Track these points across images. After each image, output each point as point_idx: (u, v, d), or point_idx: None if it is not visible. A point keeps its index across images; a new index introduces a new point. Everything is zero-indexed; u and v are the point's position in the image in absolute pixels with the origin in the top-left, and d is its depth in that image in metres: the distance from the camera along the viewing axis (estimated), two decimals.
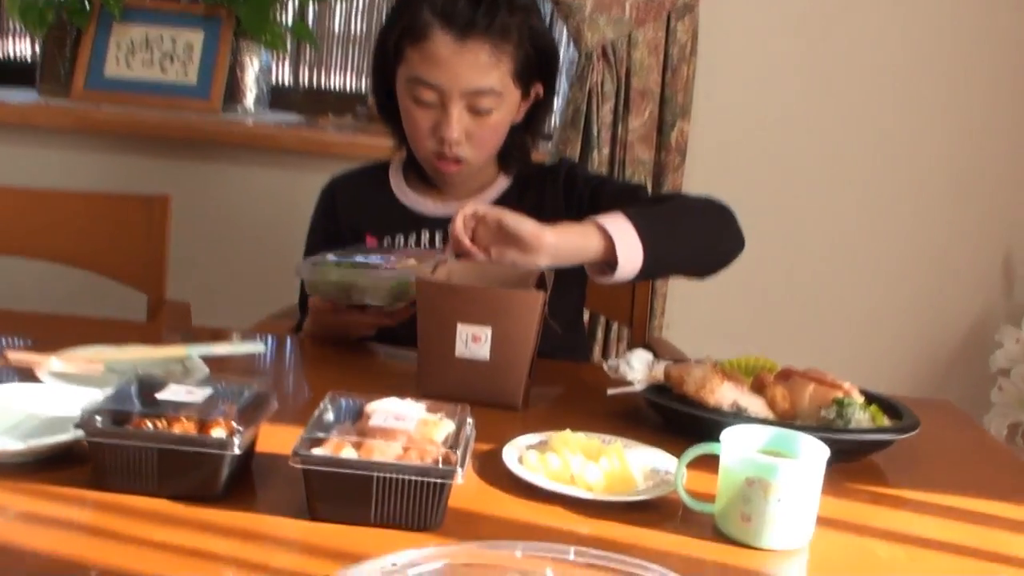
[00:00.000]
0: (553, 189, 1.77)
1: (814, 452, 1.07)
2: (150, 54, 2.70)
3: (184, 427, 1.04)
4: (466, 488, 1.05)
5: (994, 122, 2.67)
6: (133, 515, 1.00)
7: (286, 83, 2.90)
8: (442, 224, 1.73)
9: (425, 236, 1.76)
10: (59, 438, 1.08)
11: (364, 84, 2.87)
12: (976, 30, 2.63)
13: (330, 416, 1.10)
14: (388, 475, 0.98)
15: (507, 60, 1.63)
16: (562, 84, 2.50)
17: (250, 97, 2.74)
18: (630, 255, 1.45)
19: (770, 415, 1.31)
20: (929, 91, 2.65)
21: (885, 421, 1.33)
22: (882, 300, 2.73)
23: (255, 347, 1.47)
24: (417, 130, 1.67)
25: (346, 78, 2.89)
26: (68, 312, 1.83)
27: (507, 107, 1.68)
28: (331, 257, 1.58)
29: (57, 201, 1.99)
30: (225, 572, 0.93)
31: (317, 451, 1.01)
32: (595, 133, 2.49)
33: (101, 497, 1.03)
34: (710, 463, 1.09)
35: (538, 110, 1.78)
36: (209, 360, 1.41)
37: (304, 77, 2.90)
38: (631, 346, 2.21)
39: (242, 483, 1.07)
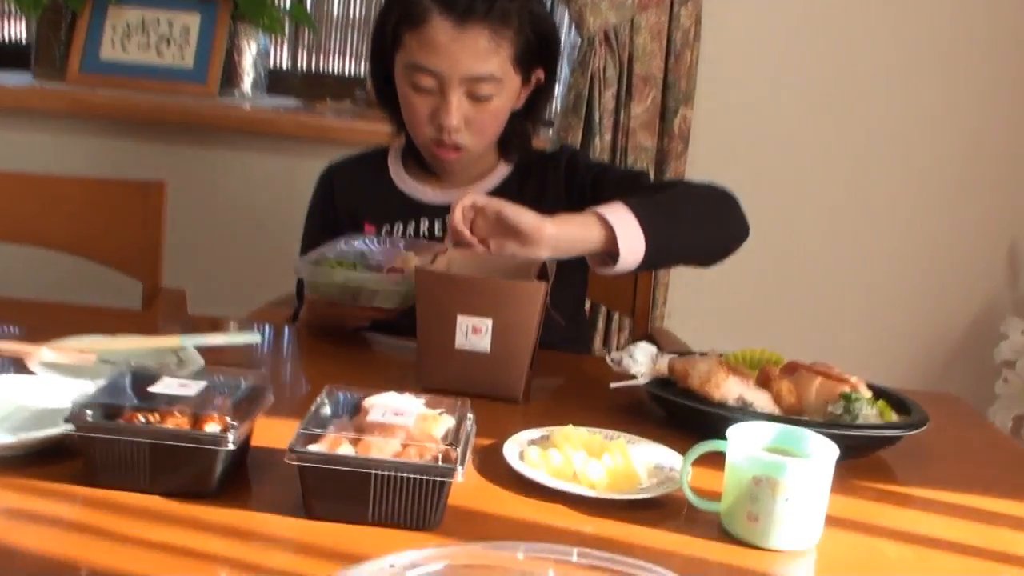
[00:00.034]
0: (554, 176, 1.75)
1: (823, 451, 1.04)
2: (146, 37, 2.66)
3: (177, 422, 1.01)
4: (466, 485, 1.02)
5: (999, 112, 2.64)
6: (124, 512, 0.98)
7: (284, 67, 2.86)
8: (441, 212, 1.70)
9: (424, 224, 1.73)
10: (49, 432, 1.05)
11: (363, 68, 2.83)
12: (983, 20, 2.60)
13: (327, 410, 1.08)
14: (386, 473, 0.95)
15: (507, 46, 1.60)
16: (563, 69, 2.47)
17: (247, 81, 2.71)
18: (632, 246, 1.44)
19: (776, 410, 1.29)
20: (935, 81, 2.62)
21: (893, 416, 1.31)
22: (886, 290, 2.71)
23: (251, 337, 1.45)
24: (415, 117, 1.64)
25: (345, 62, 2.86)
26: (61, 300, 1.80)
27: (507, 93, 1.65)
28: (331, 254, 1.54)
29: (51, 186, 1.97)
30: (218, 572, 0.90)
31: (313, 448, 0.98)
32: (597, 120, 2.46)
33: (92, 493, 1.00)
34: (716, 459, 1.06)
35: (539, 96, 1.75)
36: (204, 351, 1.38)
37: (302, 61, 2.87)
38: (632, 336, 2.19)
39: (236, 479, 1.05)
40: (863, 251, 2.69)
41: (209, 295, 2.10)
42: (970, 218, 2.69)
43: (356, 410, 1.07)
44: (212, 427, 1.00)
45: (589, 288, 1.85)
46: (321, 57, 2.87)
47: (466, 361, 1.34)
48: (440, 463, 0.97)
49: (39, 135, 2.57)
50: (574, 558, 0.87)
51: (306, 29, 2.80)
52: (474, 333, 1.33)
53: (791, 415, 1.28)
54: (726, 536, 1.04)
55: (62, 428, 1.02)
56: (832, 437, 1.07)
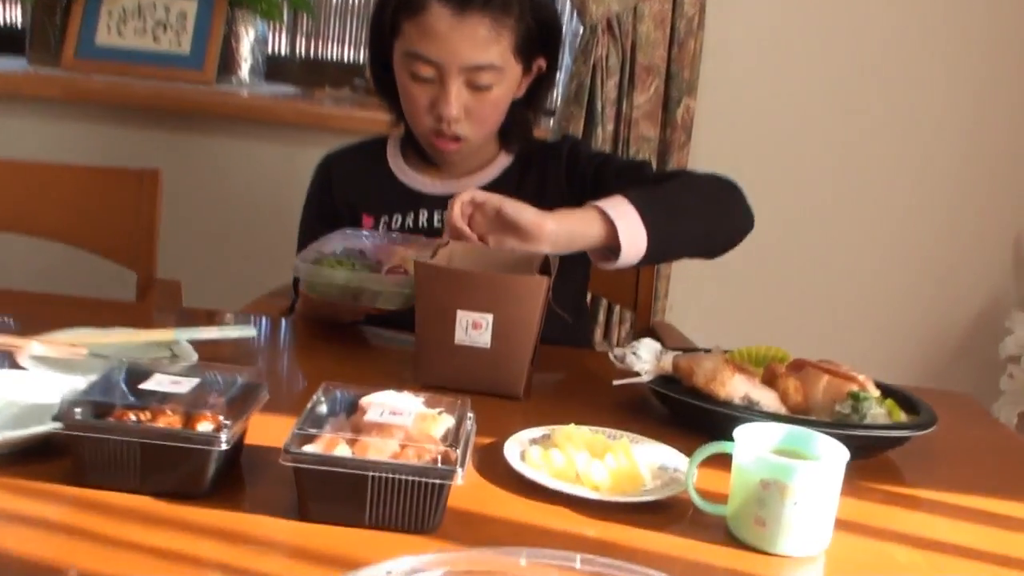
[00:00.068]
0: (556, 167, 1.72)
1: (833, 453, 1.02)
2: (142, 22, 2.63)
3: (169, 420, 0.98)
4: (466, 486, 0.99)
5: (1004, 106, 2.61)
6: (114, 513, 0.95)
7: (282, 54, 2.83)
8: (441, 203, 1.67)
9: (423, 215, 1.70)
10: (36, 430, 1.02)
11: (362, 56, 2.80)
12: (991, 15, 2.56)
13: (323, 409, 1.05)
14: (384, 475, 0.93)
15: (507, 34, 1.57)
16: (565, 58, 2.44)
17: (245, 68, 2.68)
18: (634, 240, 1.41)
19: (782, 409, 1.26)
20: (941, 75, 2.59)
21: (902, 416, 1.28)
22: (889, 285, 2.68)
23: (246, 331, 1.41)
24: (414, 106, 1.61)
25: (344, 49, 2.83)
26: (53, 290, 1.76)
27: (508, 83, 1.62)
28: (327, 250, 1.50)
29: (44, 173, 1.93)
30: None
31: (309, 448, 0.95)
32: (599, 109, 2.43)
33: (80, 493, 0.97)
34: (722, 460, 1.04)
35: (540, 85, 1.72)
36: (198, 345, 1.35)
37: (301, 48, 2.83)
38: (634, 329, 2.16)
39: (230, 479, 1.02)
40: (867, 244, 2.66)
41: (205, 286, 2.07)
42: (975, 212, 2.66)
43: (353, 409, 1.04)
44: (205, 426, 0.97)
45: (591, 281, 1.82)
46: (320, 44, 2.83)
47: (466, 357, 1.31)
48: (439, 465, 0.94)
49: (33, 121, 2.54)
50: (577, 564, 0.84)
51: (305, 15, 2.77)
52: (474, 328, 1.30)
53: (797, 414, 1.26)
54: (733, 540, 1.01)
55: (50, 426, 0.99)
56: (840, 437, 1.05)
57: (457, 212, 1.38)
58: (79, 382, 1.07)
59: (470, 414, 1.05)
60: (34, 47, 2.65)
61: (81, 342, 1.28)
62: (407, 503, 0.94)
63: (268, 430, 1.08)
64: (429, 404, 1.05)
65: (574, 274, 1.68)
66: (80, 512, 0.95)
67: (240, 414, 1.01)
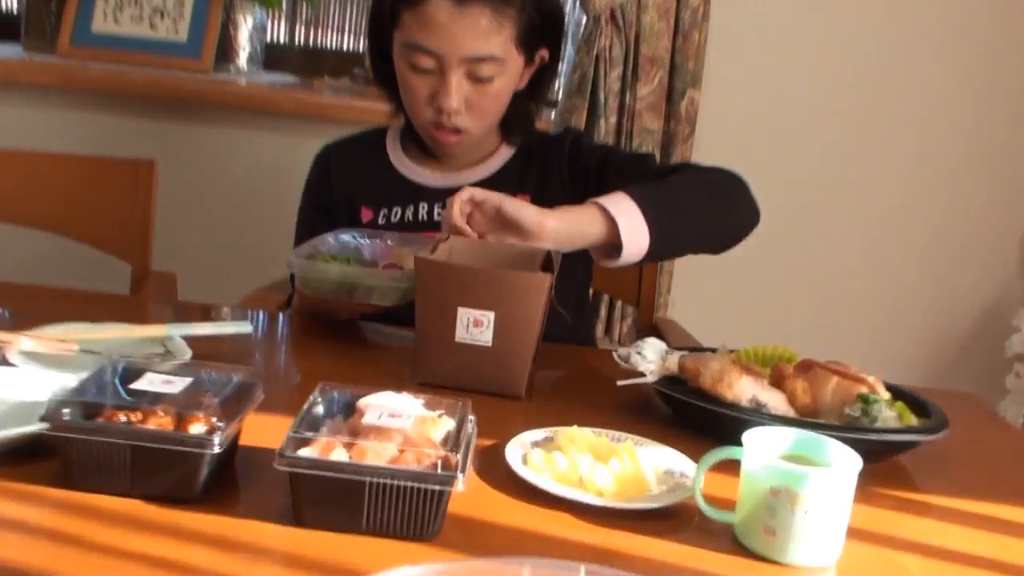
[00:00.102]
0: (558, 160, 1.69)
1: (845, 460, 0.99)
2: (139, 9, 2.59)
3: (160, 422, 0.95)
4: (466, 490, 0.95)
5: (1010, 103, 2.58)
6: (102, 517, 0.92)
7: (281, 42, 2.79)
8: (441, 196, 1.64)
9: (423, 209, 1.67)
10: (23, 430, 0.98)
11: (362, 44, 2.76)
12: (999, 10, 2.52)
13: (320, 410, 1.02)
14: (382, 481, 0.89)
15: (509, 25, 1.54)
16: (567, 49, 2.40)
17: (243, 56, 2.64)
18: (635, 237, 1.39)
19: (790, 411, 1.23)
20: (948, 70, 2.56)
21: (913, 419, 1.25)
22: (894, 282, 2.65)
23: (242, 327, 1.38)
24: (414, 98, 1.58)
25: (344, 38, 2.80)
26: (45, 282, 1.73)
27: (509, 74, 1.59)
28: (323, 248, 1.47)
29: (36, 162, 1.90)
30: None
31: (305, 452, 0.92)
32: (602, 101, 2.40)
33: (68, 496, 0.94)
34: (729, 464, 1.01)
35: (543, 76, 1.70)
36: (192, 341, 1.32)
37: (300, 36, 2.80)
38: (636, 326, 2.13)
39: (223, 482, 0.99)
40: (872, 241, 2.63)
41: (200, 279, 2.05)
42: (981, 209, 2.62)
43: (350, 410, 1.01)
44: (197, 428, 0.94)
45: (592, 277, 1.79)
46: (319, 32, 2.79)
47: (466, 355, 1.28)
48: (439, 471, 0.91)
49: (28, 109, 2.50)
50: (582, 575, 0.81)
51: (304, 3, 2.73)
52: (475, 326, 1.27)
53: (806, 416, 1.23)
54: (741, 549, 0.98)
55: (37, 426, 0.96)
56: (852, 441, 1.02)
57: (456, 211, 1.36)
58: (69, 380, 1.04)
59: (471, 416, 1.02)
60: (29, 34, 2.61)
61: (72, 338, 1.24)
62: (406, 510, 0.91)
63: (263, 430, 1.05)
64: (429, 406, 1.02)
65: (576, 270, 1.65)
66: (67, 516, 0.92)
67: (234, 415, 0.98)
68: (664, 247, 1.45)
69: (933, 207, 2.62)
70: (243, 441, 1.04)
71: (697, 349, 1.38)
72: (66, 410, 0.95)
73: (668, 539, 0.99)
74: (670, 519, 1.02)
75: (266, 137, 2.52)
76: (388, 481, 0.89)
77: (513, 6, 1.54)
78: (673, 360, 1.28)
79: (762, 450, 0.98)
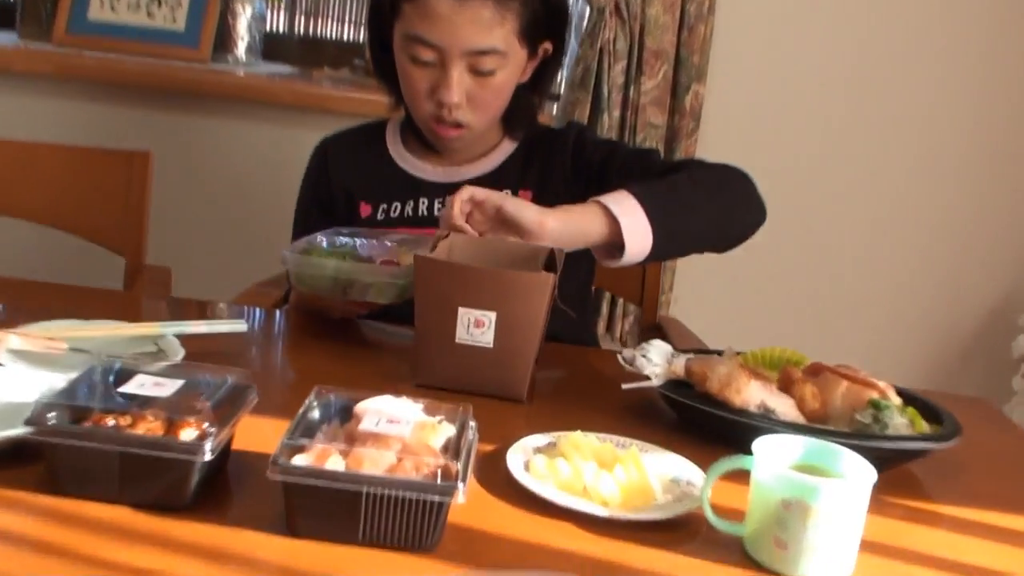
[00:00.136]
0: (561, 154, 1.66)
1: (859, 471, 0.95)
2: None
3: (150, 426, 0.92)
4: (466, 499, 0.93)
5: (1017, 100, 2.53)
6: (89, 525, 0.88)
7: (280, 31, 2.76)
8: (442, 191, 1.61)
9: (423, 204, 1.64)
10: (7, 433, 0.95)
11: (363, 35, 2.73)
12: (1006, 6, 2.49)
13: (316, 415, 0.98)
14: (379, 491, 0.86)
15: (512, 18, 1.50)
16: (571, 41, 2.37)
17: (241, 46, 2.61)
18: (638, 237, 1.37)
19: (800, 417, 1.20)
20: (956, 65, 2.52)
21: (924, 426, 1.22)
22: (899, 281, 2.61)
23: (237, 326, 1.34)
24: (414, 91, 1.55)
25: (344, 28, 2.77)
26: (36, 275, 1.70)
27: (512, 68, 1.56)
28: (320, 242, 1.44)
29: (29, 153, 1.86)
30: None
31: (299, 459, 0.89)
32: (605, 95, 2.36)
33: (53, 503, 0.91)
34: (738, 471, 0.97)
35: (546, 69, 1.67)
36: (186, 339, 1.29)
37: (299, 26, 2.77)
38: (639, 325, 2.10)
39: (215, 489, 0.96)
40: (876, 238, 2.59)
41: (196, 273, 2.02)
42: (989, 208, 2.59)
43: (347, 415, 0.98)
44: (188, 433, 0.91)
45: (595, 275, 1.76)
46: (319, 22, 2.76)
47: (467, 357, 1.24)
48: (439, 480, 0.87)
49: (23, 98, 2.47)
50: None
51: None
52: (476, 327, 1.24)
53: (815, 421, 1.20)
54: (750, 562, 0.95)
55: (21, 430, 0.93)
56: (863, 449, 0.99)
57: (457, 210, 1.33)
58: (57, 380, 1.01)
59: (472, 423, 0.99)
60: (25, 21, 2.58)
61: (61, 336, 1.21)
62: (403, 520, 0.87)
63: (257, 434, 1.02)
64: (428, 411, 0.99)
65: (578, 268, 1.62)
66: (52, 523, 0.88)
67: (226, 420, 0.94)
68: (668, 246, 1.42)
69: (939, 205, 2.58)
70: (236, 445, 1.01)
71: (703, 351, 1.35)
72: (52, 414, 0.91)
73: (674, 551, 0.95)
74: (676, 530, 0.99)
75: (264, 129, 2.49)
76: (385, 492, 0.86)
77: None
78: (679, 363, 1.25)
79: (773, 460, 0.94)
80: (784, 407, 1.19)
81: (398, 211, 1.64)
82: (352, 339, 1.47)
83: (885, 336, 2.60)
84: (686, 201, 1.46)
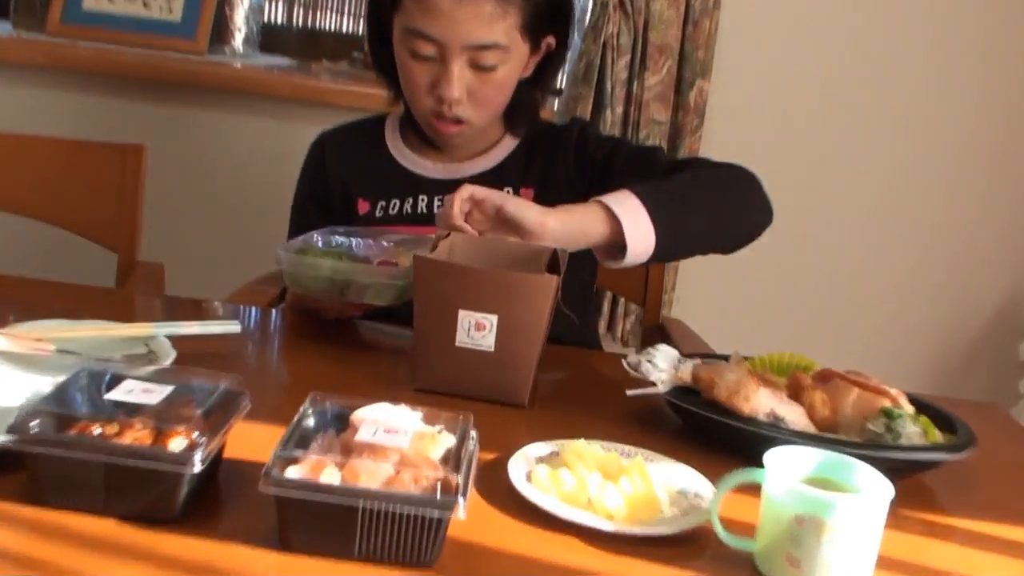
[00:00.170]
0: (564, 151, 1.63)
1: (875, 485, 0.92)
2: None
3: (137, 435, 0.88)
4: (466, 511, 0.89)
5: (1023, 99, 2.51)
6: (72, 537, 0.85)
7: (278, 23, 2.72)
8: (442, 188, 1.58)
9: (423, 201, 1.60)
10: None
11: (362, 26, 2.68)
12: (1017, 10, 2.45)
13: (311, 422, 0.95)
14: (376, 506, 0.82)
15: (514, 11, 1.47)
16: (574, 35, 2.32)
17: (239, 38, 2.58)
18: (640, 238, 1.34)
19: (810, 426, 1.16)
20: (962, 65, 2.48)
21: (937, 435, 1.18)
22: (904, 282, 2.58)
23: (230, 327, 1.30)
24: (414, 86, 1.51)
25: (343, 20, 2.72)
26: (25, 272, 1.65)
27: (514, 63, 1.52)
28: (316, 241, 1.40)
29: (19, 145, 1.83)
30: None
31: (293, 471, 0.85)
32: (608, 90, 2.32)
33: (36, 514, 0.87)
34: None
35: (549, 64, 1.63)
36: (178, 340, 1.25)
37: (298, 17, 2.72)
38: (642, 325, 2.06)
39: (205, 500, 0.92)
40: (881, 239, 2.56)
41: (190, 270, 1.98)
42: (993, 207, 2.55)
43: (344, 424, 0.94)
44: (177, 443, 0.87)
45: (597, 274, 1.72)
46: (318, 13, 2.72)
47: (467, 361, 1.21)
48: (438, 495, 0.84)
49: (15, 89, 2.43)
50: None
51: None
52: (477, 330, 1.20)
53: (825, 430, 1.17)
54: None
55: (3, 438, 0.89)
56: (876, 460, 0.96)
57: (457, 210, 1.29)
58: (43, 383, 0.97)
59: (473, 432, 0.95)
60: (19, 11, 2.54)
61: (48, 336, 1.17)
62: (401, 536, 0.84)
63: (250, 441, 0.98)
64: (428, 420, 0.95)
65: (581, 268, 1.58)
66: (34, 535, 0.85)
67: (218, 428, 0.91)
68: (671, 248, 1.39)
69: (945, 205, 2.55)
70: (228, 453, 0.97)
71: (709, 356, 1.32)
72: (35, 421, 0.88)
73: (682, 567, 0.92)
74: (684, 545, 0.95)
75: (261, 122, 2.45)
76: (382, 507, 0.82)
77: None
78: (685, 369, 1.21)
79: (785, 474, 0.91)
80: (794, 415, 1.16)
81: (397, 208, 1.61)
82: (349, 340, 1.43)
83: (889, 337, 2.57)
84: (690, 201, 1.43)
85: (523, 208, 1.29)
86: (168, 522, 0.87)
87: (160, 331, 1.24)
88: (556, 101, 2.42)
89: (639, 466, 1.02)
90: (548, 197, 1.46)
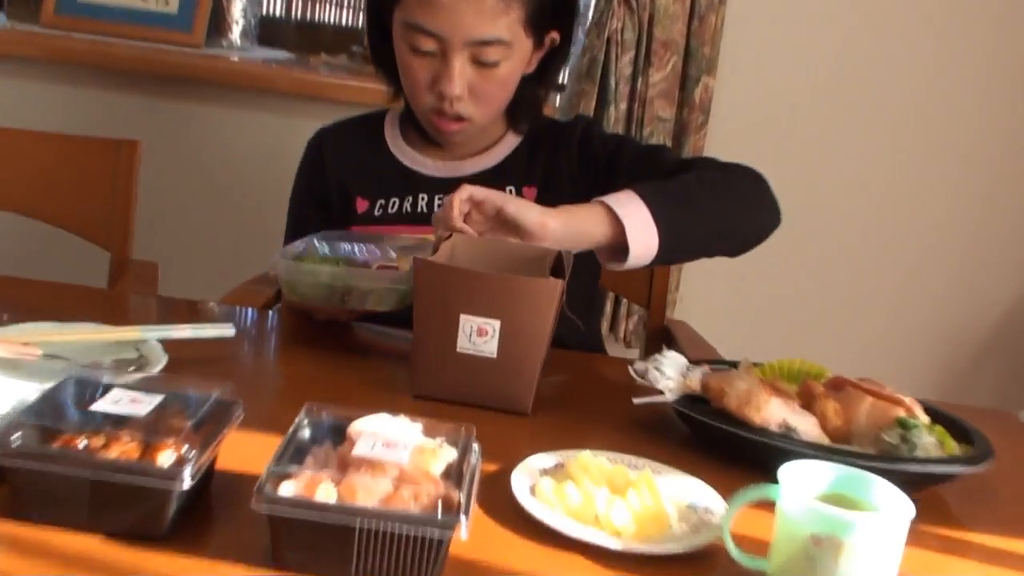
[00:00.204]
0: (567, 148, 1.60)
1: (895, 503, 0.88)
2: None
3: (124, 449, 0.84)
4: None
5: None
6: (55, 555, 0.81)
7: (277, 15, 2.69)
8: (442, 186, 1.54)
9: (423, 200, 1.57)
10: None
11: (361, 19, 2.65)
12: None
13: (306, 434, 0.91)
14: (374, 525, 0.79)
15: (518, 6, 1.44)
16: (578, 30, 2.29)
17: (236, 31, 2.55)
18: (643, 239, 1.30)
19: (823, 436, 1.13)
20: (971, 63, 2.44)
21: (954, 445, 1.14)
22: (912, 282, 2.54)
23: (224, 331, 1.26)
24: (414, 82, 1.48)
25: (342, 12, 2.70)
26: (15, 270, 1.62)
27: (517, 59, 1.48)
28: (314, 246, 1.36)
29: (10, 139, 1.79)
30: None
31: (287, 487, 0.81)
32: (612, 86, 2.29)
33: (18, 530, 0.83)
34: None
35: (553, 60, 1.60)
36: (170, 344, 1.21)
37: (296, 10, 2.70)
38: (646, 327, 2.02)
39: (195, 516, 0.88)
40: (889, 239, 2.52)
41: (184, 269, 1.95)
42: (1001, 208, 2.51)
43: (340, 436, 0.90)
44: (166, 457, 0.83)
45: (600, 275, 1.68)
46: (317, 6, 2.69)
47: (468, 367, 1.17)
48: (439, 513, 0.80)
49: (8, 81, 2.40)
50: None
51: None
52: (479, 335, 1.16)
53: (838, 440, 1.13)
54: None
55: None
56: (892, 473, 0.93)
57: (456, 211, 1.26)
58: (29, 390, 0.94)
59: (475, 445, 0.91)
60: (13, 2, 2.52)
61: (35, 340, 1.13)
62: (400, 556, 0.80)
63: (243, 451, 0.94)
64: (428, 432, 0.91)
65: (584, 271, 1.55)
66: (14, 552, 0.81)
67: (208, 441, 0.87)
68: (675, 250, 1.36)
69: (954, 206, 2.51)
70: (220, 464, 0.93)
71: (717, 362, 1.28)
72: (17, 434, 0.84)
73: None
74: (694, 564, 0.92)
75: (258, 117, 2.41)
76: (381, 526, 0.79)
77: None
78: (694, 377, 1.17)
79: (800, 490, 0.87)
80: (806, 426, 1.12)
81: (396, 207, 1.57)
82: (347, 344, 1.40)
83: (895, 339, 2.53)
84: (695, 203, 1.40)
85: (523, 209, 1.26)
86: (156, 539, 0.83)
87: (151, 335, 1.21)
88: (559, 97, 2.38)
89: (647, 479, 0.99)
90: (551, 195, 1.43)
